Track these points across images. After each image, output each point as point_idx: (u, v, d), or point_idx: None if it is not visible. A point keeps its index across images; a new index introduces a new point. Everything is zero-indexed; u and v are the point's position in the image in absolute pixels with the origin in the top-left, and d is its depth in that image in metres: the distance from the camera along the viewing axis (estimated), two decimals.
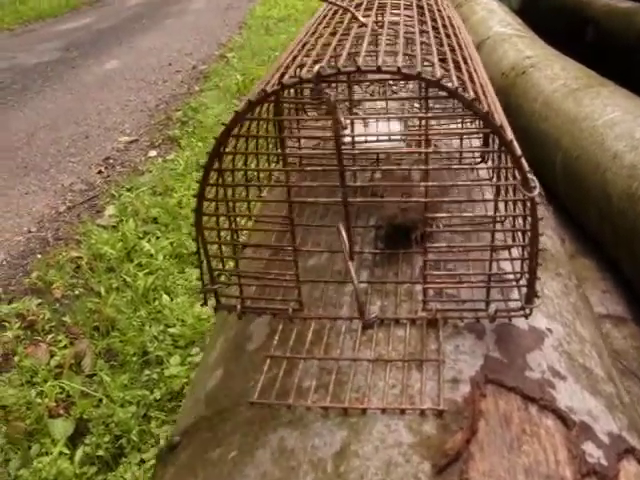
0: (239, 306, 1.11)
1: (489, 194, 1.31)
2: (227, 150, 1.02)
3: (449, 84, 0.89)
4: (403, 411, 0.90)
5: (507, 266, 1.13)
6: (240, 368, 1.10)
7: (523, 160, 0.94)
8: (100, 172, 5.55)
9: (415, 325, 1.06)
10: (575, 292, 1.38)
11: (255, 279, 1.17)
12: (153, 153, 5.86)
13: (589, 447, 0.91)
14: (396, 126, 1.43)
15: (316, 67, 0.89)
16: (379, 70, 0.88)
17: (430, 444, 0.86)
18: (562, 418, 0.94)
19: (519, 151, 0.94)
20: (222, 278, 1.14)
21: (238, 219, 1.15)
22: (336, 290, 1.17)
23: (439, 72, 0.91)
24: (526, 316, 1.04)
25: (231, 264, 1.14)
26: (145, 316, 3.40)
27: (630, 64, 3.75)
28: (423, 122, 1.14)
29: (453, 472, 0.82)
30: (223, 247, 1.11)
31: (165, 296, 3.55)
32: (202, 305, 1.20)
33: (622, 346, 2.23)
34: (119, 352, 3.22)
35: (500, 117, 0.96)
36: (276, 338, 1.08)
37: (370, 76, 1.39)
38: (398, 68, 0.87)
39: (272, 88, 0.93)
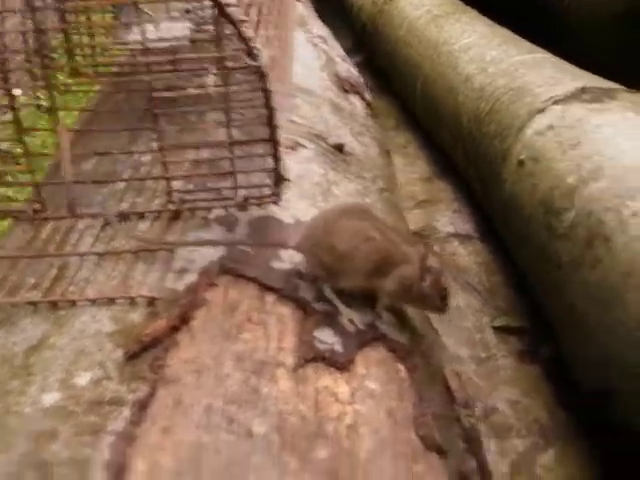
0: None
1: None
2: None
3: None
4: (113, 300, 0.86)
5: (257, 150, 1.10)
6: None
7: (245, 29, 0.89)
8: None
9: (160, 218, 1.02)
10: (375, 195, 1.36)
11: None
12: None
13: (325, 335, 0.89)
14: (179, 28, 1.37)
15: None
16: None
17: (131, 332, 0.83)
18: (303, 307, 0.91)
19: (239, 17, 0.89)
20: None
21: None
22: (93, 191, 1.12)
23: None
24: (276, 202, 1.01)
25: None
26: None
27: None
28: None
29: (147, 359, 0.79)
30: None
31: None
32: None
33: (466, 262, 2.26)
34: None
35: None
36: (12, 238, 1.02)
37: None
38: None
39: None
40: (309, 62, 1.86)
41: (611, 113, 1.89)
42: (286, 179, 1.00)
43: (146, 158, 1.17)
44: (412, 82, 3.02)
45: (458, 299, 2.13)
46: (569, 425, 1.73)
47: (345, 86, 1.93)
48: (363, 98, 2.06)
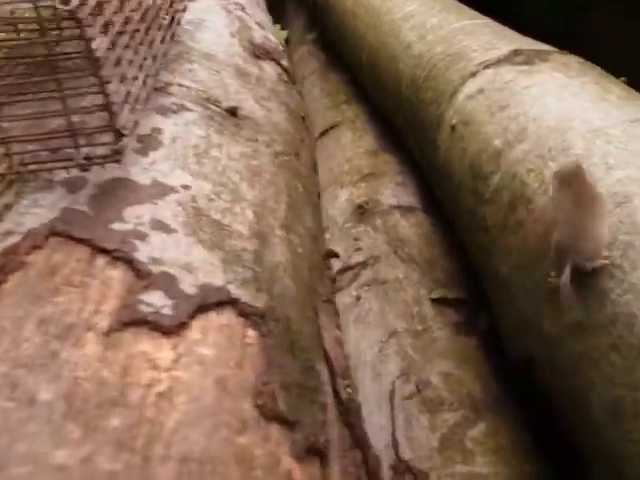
0: None
1: None
2: None
3: None
4: None
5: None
6: None
7: None
8: None
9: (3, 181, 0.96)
10: (267, 158, 1.30)
11: None
12: None
13: (154, 297, 0.82)
14: None
15: None
16: None
17: None
18: (136, 269, 0.85)
19: None
20: None
21: None
22: None
23: None
24: (118, 161, 0.95)
25: None
26: None
27: None
28: None
29: None
30: None
31: None
32: None
33: (407, 234, 2.20)
34: None
35: None
36: None
37: None
38: None
39: None
40: (219, 28, 1.79)
41: (540, 74, 1.83)
42: (123, 135, 0.93)
43: None
44: (359, 53, 2.96)
45: (397, 272, 2.07)
46: (501, 397, 1.68)
47: (258, 52, 1.86)
48: (279, 64, 1.99)
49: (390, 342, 1.84)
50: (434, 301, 1.94)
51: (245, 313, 0.85)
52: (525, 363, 1.49)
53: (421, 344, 1.82)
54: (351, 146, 2.81)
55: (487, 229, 1.65)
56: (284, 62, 2.08)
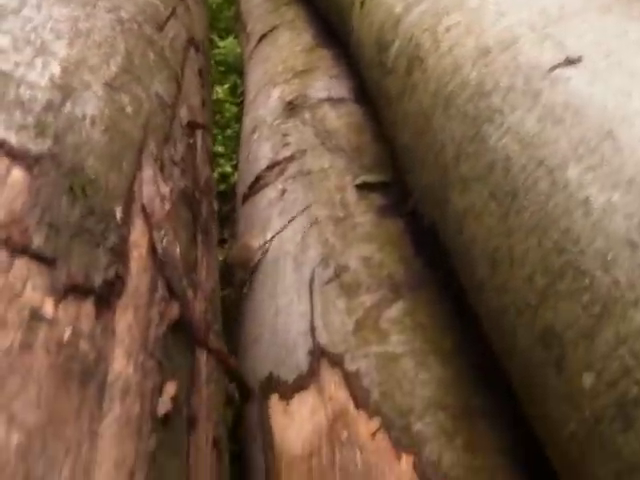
0: None
1: None
2: None
3: None
4: None
5: None
6: None
7: None
8: None
9: None
10: (104, 22, 1.19)
11: None
12: None
13: None
14: None
15: None
16: None
17: None
18: None
19: None
20: None
21: None
22: None
23: None
24: None
25: None
26: None
27: None
28: None
29: None
30: None
31: None
32: None
33: (335, 125, 2.12)
34: None
35: None
36: None
37: None
38: None
39: None
40: None
41: None
42: None
43: None
44: None
45: (323, 161, 2.00)
46: (423, 277, 1.62)
47: None
48: None
49: (311, 231, 1.79)
50: (358, 187, 1.87)
51: (13, 154, 0.78)
52: (432, 229, 1.43)
53: (342, 230, 1.76)
54: (288, 46, 2.71)
55: (390, 100, 1.57)
56: None
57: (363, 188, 1.87)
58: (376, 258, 1.67)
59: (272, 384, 1.55)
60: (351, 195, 1.86)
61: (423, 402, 1.36)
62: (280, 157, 2.07)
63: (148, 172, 0.90)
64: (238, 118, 2.91)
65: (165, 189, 0.90)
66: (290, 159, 2.04)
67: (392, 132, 1.61)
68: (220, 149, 2.83)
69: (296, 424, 1.46)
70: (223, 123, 3.00)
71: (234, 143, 2.83)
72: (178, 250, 0.87)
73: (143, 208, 0.85)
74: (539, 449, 1.19)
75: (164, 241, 0.83)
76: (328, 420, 1.42)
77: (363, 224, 1.77)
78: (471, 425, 1.34)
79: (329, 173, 1.94)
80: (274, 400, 1.53)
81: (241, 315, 1.81)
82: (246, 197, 2.10)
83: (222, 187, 2.68)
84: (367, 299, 1.57)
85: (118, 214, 0.80)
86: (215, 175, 2.54)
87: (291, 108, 2.24)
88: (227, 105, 3.04)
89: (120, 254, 0.77)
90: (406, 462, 1.29)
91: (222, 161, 2.80)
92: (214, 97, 2.94)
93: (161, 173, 0.95)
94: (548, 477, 1.19)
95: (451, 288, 1.57)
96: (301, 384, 1.49)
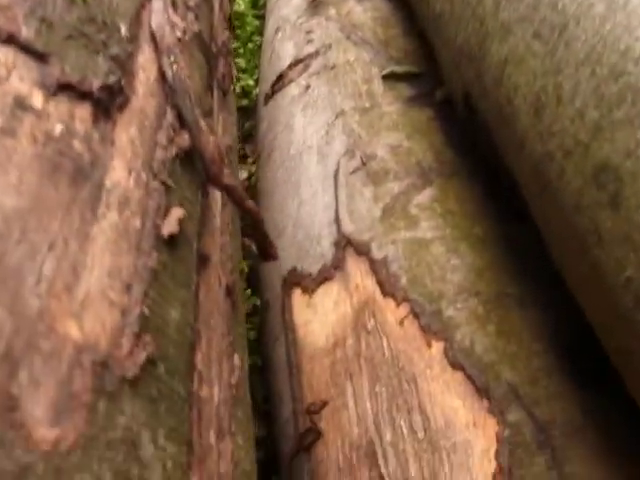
0: None
1: None
2: None
3: None
4: None
5: None
6: None
7: None
8: None
9: None
10: None
11: None
12: None
13: None
14: None
15: None
16: None
17: None
18: None
19: None
20: None
21: None
22: None
23: None
24: None
25: None
26: None
27: None
28: None
29: None
30: None
31: None
32: None
33: (361, 19, 2.01)
34: None
35: None
36: None
37: None
38: None
39: None
40: None
41: None
42: None
43: None
44: None
45: (348, 55, 1.90)
46: (454, 164, 1.53)
47: None
48: None
49: (336, 123, 1.70)
50: (385, 78, 1.77)
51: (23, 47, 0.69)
52: (464, 99, 1.33)
53: (368, 120, 1.66)
54: None
55: None
56: None
57: (391, 79, 1.77)
58: (404, 146, 1.57)
59: (295, 278, 1.48)
60: (378, 86, 1.76)
61: (454, 288, 1.28)
62: (304, 53, 1.97)
63: (158, 3, 0.81)
64: (260, 32, 2.79)
65: (176, 19, 0.82)
66: (314, 55, 1.94)
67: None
68: (242, 63, 2.72)
69: (319, 316, 1.40)
70: (244, 37, 2.88)
71: (256, 57, 2.72)
72: (190, 83, 0.78)
73: (152, 36, 0.77)
74: (578, 338, 1.12)
75: (174, 68, 0.75)
76: (354, 310, 1.35)
77: (390, 113, 1.67)
78: (505, 312, 1.26)
79: (355, 66, 1.84)
80: (297, 295, 1.47)
81: (263, 211, 1.73)
82: (268, 97, 2.01)
83: (244, 102, 2.58)
84: (395, 186, 1.48)
85: (123, 31, 0.72)
86: (237, 89, 2.45)
87: (315, 5, 2.13)
88: (249, 18, 2.92)
89: (123, 66, 0.69)
90: (436, 348, 1.22)
91: (244, 76, 2.69)
92: (235, 9, 2.82)
93: (173, 10, 0.86)
94: (587, 366, 1.13)
95: (482, 174, 1.49)
96: (325, 275, 1.43)
